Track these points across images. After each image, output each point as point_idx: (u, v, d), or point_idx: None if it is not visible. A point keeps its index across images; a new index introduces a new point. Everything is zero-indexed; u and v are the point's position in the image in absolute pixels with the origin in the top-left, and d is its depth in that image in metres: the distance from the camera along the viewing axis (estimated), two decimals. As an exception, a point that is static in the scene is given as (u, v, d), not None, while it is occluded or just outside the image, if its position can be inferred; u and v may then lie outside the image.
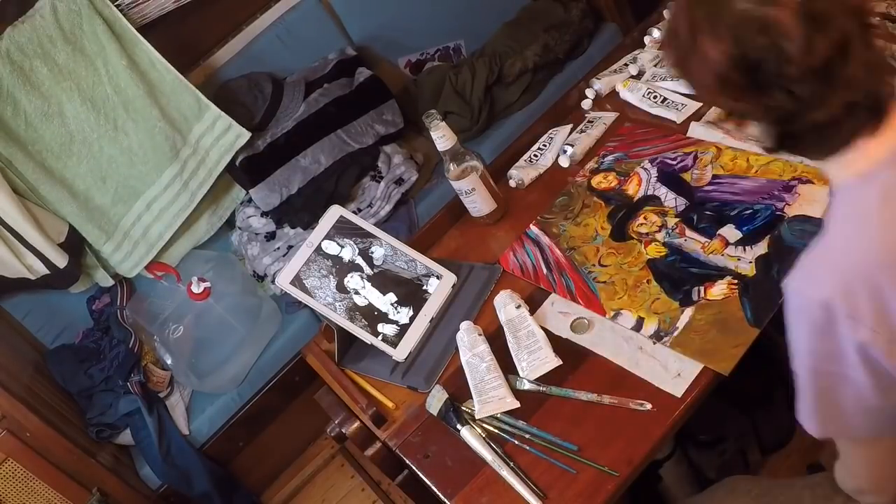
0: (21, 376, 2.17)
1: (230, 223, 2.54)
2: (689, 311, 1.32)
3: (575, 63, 2.54)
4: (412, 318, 1.55)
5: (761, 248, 1.35)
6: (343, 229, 1.60)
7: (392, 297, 1.57)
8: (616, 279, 1.44)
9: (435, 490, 1.30)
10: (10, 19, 2.15)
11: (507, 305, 1.46)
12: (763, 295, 1.28)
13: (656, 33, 1.83)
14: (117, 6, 2.18)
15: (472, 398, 1.36)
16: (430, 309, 1.57)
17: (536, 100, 2.49)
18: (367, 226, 1.63)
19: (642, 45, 1.88)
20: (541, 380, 1.35)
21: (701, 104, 1.65)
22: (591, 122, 1.79)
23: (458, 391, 1.40)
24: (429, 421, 1.39)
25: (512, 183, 1.75)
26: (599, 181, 1.64)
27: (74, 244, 2.30)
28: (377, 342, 1.52)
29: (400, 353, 1.52)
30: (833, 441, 1.03)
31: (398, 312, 1.56)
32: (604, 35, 2.59)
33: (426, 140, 2.41)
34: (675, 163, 1.58)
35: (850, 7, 0.85)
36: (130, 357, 2.25)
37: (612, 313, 1.39)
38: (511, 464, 1.25)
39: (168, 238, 2.40)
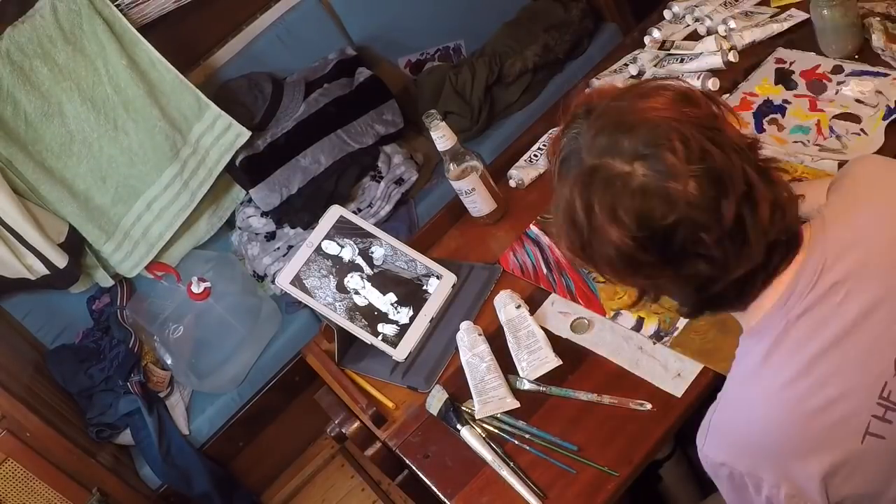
0: (21, 376, 2.17)
1: (230, 223, 2.54)
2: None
3: (575, 63, 2.54)
4: (412, 318, 1.55)
5: (761, 248, 1.35)
6: (343, 229, 1.60)
7: (392, 297, 1.57)
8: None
9: (435, 490, 1.30)
10: (10, 19, 2.15)
11: (507, 305, 1.46)
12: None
13: (656, 33, 1.83)
14: (117, 6, 2.18)
15: (472, 398, 1.36)
16: (430, 309, 1.57)
17: (536, 100, 2.49)
18: (367, 226, 1.63)
19: (642, 45, 1.88)
20: (541, 380, 1.35)
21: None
22: (591, 122, 1.78)
23: (458, 391, 1.40)
24: (429, 421, 1.39)
25: (512, 183, 1.75)
26: (599, 181, 1.64)
27: (74, 244, 2.30)
28: (377, 342, 1.52)
29: (400, 353, 1.52)
30: None
31: (398, 312, 1.56)
32: (604, 35, 2.58)
33: (426, 140, 2.41)
34: (675, 163, 1.58)
35: (742, 152, 0.82)
36: (130, 357, 2.25)
37: (612, 313, 1.39)
38: (511, 464, 1.25)
39: (168, 238, 2.40)
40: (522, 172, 1.73)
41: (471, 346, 1.43)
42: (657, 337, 1.31)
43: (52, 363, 2.29)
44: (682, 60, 1.74)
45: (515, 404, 1.33)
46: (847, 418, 0.82)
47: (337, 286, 1.55)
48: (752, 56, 1.68)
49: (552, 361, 1.36)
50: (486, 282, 1.57)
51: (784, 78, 1.59)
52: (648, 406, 1.23)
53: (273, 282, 2.32)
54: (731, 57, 1.68)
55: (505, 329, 1.44)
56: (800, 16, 1.68)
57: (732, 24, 1.72)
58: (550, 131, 1.81)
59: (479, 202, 1.66)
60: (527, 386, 1.35)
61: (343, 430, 1.50)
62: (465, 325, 1.47)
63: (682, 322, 1.30)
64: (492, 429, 1.32)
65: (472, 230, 1.72)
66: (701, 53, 1.72)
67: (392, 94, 2.45)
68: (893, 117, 1.41)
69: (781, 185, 0.85)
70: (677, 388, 1.23)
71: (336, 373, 1.54)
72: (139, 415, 2.18)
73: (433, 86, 2.47)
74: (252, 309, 2.33)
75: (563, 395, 1.31)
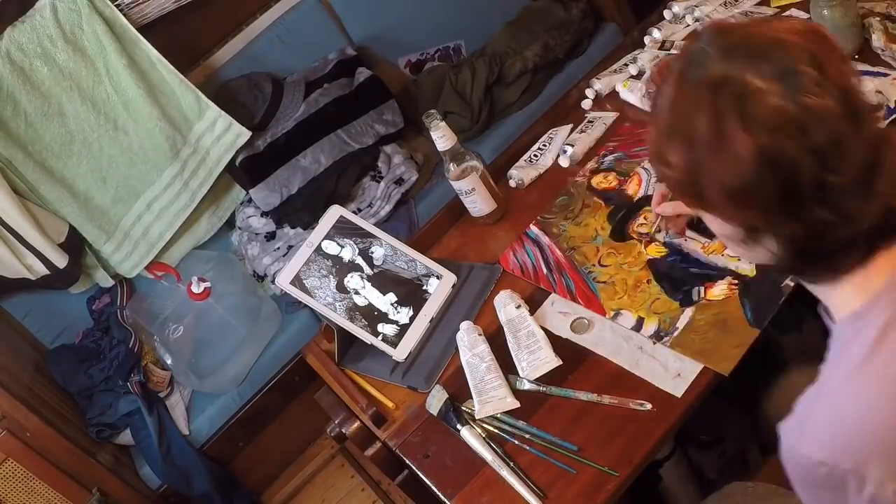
0: (21, 376, 2.17)
1: (230, 223, 2.54)
2: (689, 312, 1.32)
3: (575, 63, 2.54)
4: (412, 318, 1.55)
5: (761, 248, 1.35)
6: (343, 229, 1.60)
7: (392, 297, 1.57)
8: (616, 279, 1.44)
9: (435, 490, 1.30)
10: (10, 19, 2.15)
11: (507, 305, 1.46)
12: (763, 295, 1.28)
13: (656, 33, 1.83)
14: (117, 6, 2.18)
15: (472, 398, 1.36)
16: (430, 309, 1.57)
17: (536, 100, 2.49)
18: (367, 226, 1.63)
19: (642, 45, 1.88)
20: (541, 380, 1.35)
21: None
22: (591, 122, 1.79)
23: (458, 391, 1.40)
24: (429, 421, 1.39)
25: (512, 183, 1.75)
26: (599, 181, 1.64)
27: (74, 244, 2.30)
28: (377, 342, 1.52)
29: (400, 353, 1.52)
30: None
31: (398, 312, 1.56)
32: (604, 35, 2.59)
33: (426, 140, 2.41)
34: (675, 163, 1.58)
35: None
36: (130, 357, 2.25)
37: (612, 313, 1.39)
38: (511, 464, 1.25)
39: (168, 238, 2.40)
40: (522, 172, 1.73)
41: (471, 346, 1.43)
42: (657, 337, 1.31)
43: (52, 363, 2.29)
44: (682, 60, 1.73)
45: (515, 404, 1.33)
46: None
47: (337, 286, 1.55)
48: (752, 56, 1.67)
49: (552, 361, 1.36)
50: (486, 282, 1.57)
51: (784, 78, 1.59)
52: (648, 406, 1.23)
53: (273, 282, 2.32)
54: (731, 57, 1.67)
55: (505, 329, 1.44)
56: (800, 16, 1.68)
57: (732, 24, 1.72)
58: (550, 131, 1.81)
59: (479, 202, 1.66)
60: (527, 386, 1.35)
61: (343, 430, 1.50)
62: (465, 325, 1.47)
63: (682, 322, 1.30)
64: (492, 429, 1.32)
65: (472, 230, 1.72)
66: (701, 53, 1.71)
67: (392, 94, 2.45)
68: (893, 117, 1.41)
69: None
70: (677, 388, 1.23)
71: (336, 373, 1.54)
72: (139, 415, 2.18)
73: (433, 86, 2.47)
74: (252, 309, 2.33)
75: (563, 395, 1.31)
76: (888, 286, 0.80)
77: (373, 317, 1.54)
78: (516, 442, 1.28)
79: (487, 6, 2.64)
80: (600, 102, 1.84)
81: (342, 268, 1.57)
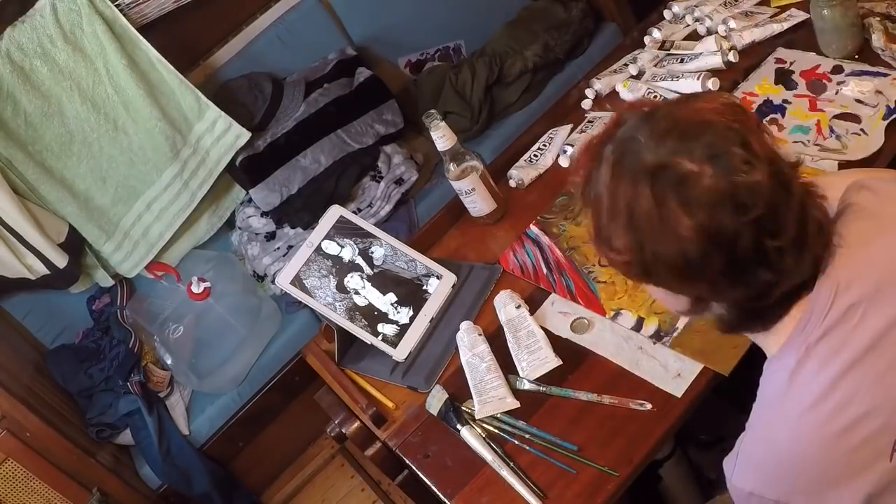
0: (21, 376, 2.17)
1: (230, 223, 2.54)
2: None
3: (575, 63, 2.54)
4: (412, 318, 1.55)
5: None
6: (343, 229, 1.60)
7: (392, 297, 1.57)
8: (616, 279, 1.44)
9: (435, 490, 1.30)
10: (10, 19, 2.14)
11: (507, 305, 1.46)
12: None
13: (656, 33, 1.83)
14: (117, 6, 2.18)
15: (472, 398, 1.36)
16: (430, 309, 1.57)
17: (536, 100, 2.49)
18: (367, 226, 1.63)
19: (642, 45, 1.88)
20: (541, 380, 1.35)
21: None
22: (591, 122, 1.79)
23: (458, 391, 1.40)
24: (429, 421, 1.39)
25: (512, 183, 1.75)
26: (599, 181, 1.64)
27: (74, 244, 2.30)
28: (377, 342, 1.52)
29: (400, 353, 1.52)
30: None
31: (398, 312, 1.56)
32: (604, 35, 2.58)
33: (426, 140, 2.41)
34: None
35: (790, 165, 0.83)
36: (130, 357, 2.25)
37: (612, 313, 1.39)
38: (511, 464, 1.25)
39: (168, 238, 2.40)
40: (522, 172, 1.73)
41: (471, 346, 1.43)
42: (657, 337, 1.31)
43: (52, 363, 2.29)
44: (682, 60, 1.74)
45: (515, 404, 1.33)
46: (873, 437, 0.82)
47: (337, 286, 1.55)
48: (752, 56, 1.68)
49: (552, 361, 1.36)
50: (486, 282, 1.57)
51: (784, 78, 1.59)
52: (648, 406, 1.23)
53: (273, 282, 2.32)
54: (731, 57, 1.68)
55: (505, 329, 1.44)
56: (800, 16, 1.68)
57: (732, 24, 1.72)
58: (550, 131, 1.81)
59: (479, 202, 1.66)
60: (527, 386, 1.35)
61: (343, 430, 1.50)
62: (465, 325, 1.47)
63: (682, 322, 1.30)
64: (492, 429, 1.32)
65: (472, 230, 1.72)
66: (701, 53, 1.72)
67: (392, 94, 2.45)
68: (893, 117, 1.41)
69: (821, 205, 0.86)
70: (677, 388, 1.23)
71: (336, 373, 1.54)
72: (139, 415, 2.18)
73: (433, 86, 2.47)
74: (252, 309, 2.33)
75: (563, 395, 1.31)
76: (797, 330, 0.86)
77: (373, 317, 1.54)
78: (516, 442, 1.28)
79: (487, 6, 2.63)
80: (600, 102, 1.84)
81: (342, 268, 1.57)
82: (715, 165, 0.80)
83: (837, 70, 1.54)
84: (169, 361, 2.26)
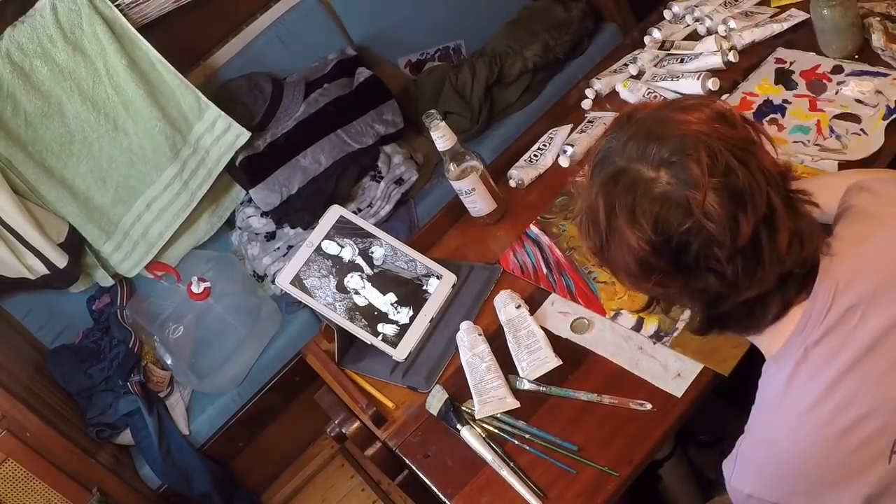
0: (21, 376, 2.17)
1: (230, 223, 2.54)
2: (689, 311, 1.32)
3: (575, 63, 2.54)
4: (412, 318, 1.55)
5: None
6: (343, 229, 1.60)
7: (392, 297, 1.57)
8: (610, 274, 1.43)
9: (435, 490, 1.30)
10: (10, 19, 2.14)
11: (507, 305, 1.46)
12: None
13: (656, 33, 1.83)
14: (117, 6, 2.18)
15: (472, 398, 1.36)
16: (430, 309, 1.57)
17: (536, 100, 2.49)
18: (367, 226, 1.63)
19: (642, 45, 1.88)
20: (541, 380, 1.35)
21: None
22: (591, 122, 1.79)
23: (458, 391, 1.40)
24: (429, 421, 1.39)
25: (512, 183, 1.75)
26: (599, 181, 1.64)
27: (74, 244, 2.30)
28: (377, 342, 1.52)
29: (400, 353, 1.52)
30: None
31: (398, 312, 1.56)
32: (604, 35, 2.58)
33: (426, 140, 2.41)
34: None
35: (771, 177, 0.82)
36: (130, 357, 2.25)
37: (612, 313, 1.39)
38: (511, 464, 1.25)
39: (168, 238, 2.40)
40: (522, 172, 1.73)
41: (471, 346, 1.43)
42: (657, 337, 1.31)
43: (52, 363, 2.29)
44: (682, 60, 1.74)
45: (515, 404, 1.33)
46: (872, 439, 0.82)
47: (337, 286, 1.55)
48: (752, 56, 1.68)
49: (552, 361, 1.36)
50: (486, 282, 1.57)
51: (784, 78, 1.59)
52: (648, 406, 1.23)
53: (273, 282, 2.32)
54: (731, 57, 1.68)
55: (505, 329, 1.44)
56: (800, 16, 1.68)
57: (732, 24, 1.72)
58: (550, 131, 1.81)
59: (479, 202, 1.66)
60: (527, 386, 1.35)
61: (343, 430, 1.50)
62: (465, 325, 1.47)
63: (682, 322, 1.30)
64: (492, 429, 1.32)
65: (472, 230, 1.72)
66: (701, 53, 1.72)
67: (392, 94, 2.45)
68: (893, 117, 1.41)
69: (807, 218, 0.86)
70: (677, 388, 1.23)
71: (336, 373, 1.54)
72: (139, 415, 2.18)
73: (433, 86, 2.47)
74: (252, 309, 2.33)
75: (563, 395, 1.31)
76: (796, 332, 0.86)
77: (373, 317, 1.54)
78: (516, 442, 1.28)
79: (487, 6, 2.63)
80: (600, 102, 1.84)
81: (342, 268, 1.57)
82: (670, 173, 0.80)
83: (837, 70, 1.54)
84: (169, 361, 2.26)
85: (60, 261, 2.22)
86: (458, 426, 1.33)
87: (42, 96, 2.19)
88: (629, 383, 1.27)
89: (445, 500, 1.27)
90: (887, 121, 1.41)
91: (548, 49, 2.45)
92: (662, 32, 1.83)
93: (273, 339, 2.35)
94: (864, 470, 0.82)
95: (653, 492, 1.60)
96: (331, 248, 1.58)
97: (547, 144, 1.78)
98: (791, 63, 1.61)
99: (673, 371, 1.25)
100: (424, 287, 1.59)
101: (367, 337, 1.52)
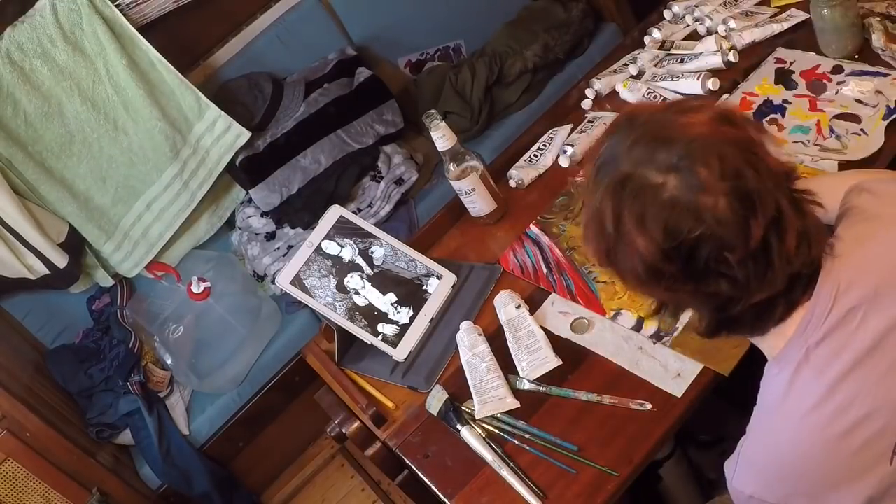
0: (21, 376, 2.17)
1: (230, 223, 2.54)
2: (689, 311, 1.31)
3: (575, 63, 2.54)
4: (412, 318, 1.55)
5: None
6: (343, 229, 1.60)
7: (392, 297, 1.57)
8: (616, 279, 1.43)
9: (435, 490, 1.30)
10: (10, 19, 2.14)
11: (507, 305, 1.46)
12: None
13: (656, 33, 1.83)
14: (117, 6, 2.18)
15: (472, 398, 1.36)
16: (430, 309, 1.57)
17: (536, 100, 2.49)
18: (367, 226, 1.63)
19: (642, 45, 1.88)
20: (541, 380, 1.35)
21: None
22: (591, 122, 1.79)
23: (458, 391, 1.40)
24: (429, 421, 1.39)
25: (512, 183, 1.75)
26: (599, 181, 1.64)
27: (74, 244, 2.30)
28: (377, 342, 1.52)
29: (400, 353, 1.52)
30: None
31: (398, 312, 1.56)
32: (604, 35, 2.58)
33: (426, 140, 2.41)
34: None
35: (777, 178, 0.82)
36: (130, 357, 2.25)
37: (612, 313, 1.39)
38: (511, 464, 1.25)
39: (168, 238, 2.40)
40: (522, 172, 1.73)
41: (471, 346, 1.43)
42: (657, 337, 1.31)
43: (52, 363, 2.29)
44: (682, 60, 1.74)
45: (515, 404, 1.33)
46: (873, 440, 0.82)
47: (337, 286, 1.55)
48: (752, 56, 1.68)
49: (552, 361, 1.36)
50: (486, 282, 1.57)
51: (784, 78, 1.59)
52: (648, 406, 1.23)
53: (273, 282, 2.32)
54: (731, 57, 1.68)
55: (505, 329, 1.44)
56: (800, 16, 1.68)
57: (732, 24, 1.72)
58: (550, 131, 1.81)
59: (479, 202, 1.66)
60: (527, 386, 1.35)
61: (343, 430, 1.50)
62: (465, 325, 1.47)
63: (682, 322, 1.30)
64: (492, 429, 1.32)
65: (472, 230, 1.72)
66: (701, 53, 1.72)
67: (392, 94, 2.45)
68: (893, 117, 1.41)
69: (812, 218, 0.85)
70: (677, 388, 1.23)
71: (336, 373, 1.54)
72: (139, 415, 2.18)
73: (433, 86, 2.47)
74: (252, 309, 2.33)
75: (563, 395, 1.31)
76: (797, 333, 0.86)
77: (373, 317, 1.54)
78: (516, 442, 1.28)
79: (487, 6, 2.63)
80: (600, 102, 1.84)
81: (342, 268, 1.57)
82: (679, 178, 0.80)
83: (837, 70, 1.54)
84: (169, 361, 2.26)
85: (60, 261, 2.22)
86: (458, 426, 1.33)
87: (42, 96, 2.19)
88: (629, 383, 1.27)
89: (445, 500, 1.27)
90: (887, 121, 1.41)
91: (548, 49, 2.45)
92: (662, 32, 1.83)
93: (273, 339, 2.35)
94: (866, 471, 0.82)
95: (653, 492, 1.60)
96: (331, 248, 1.58)
97: (547, 144, 1.78)
98: (791, 63, 1.61)
99: (673, 371, 1.25)
100: (424, 287, 1.59)
101: (367, 337, 1.52)
